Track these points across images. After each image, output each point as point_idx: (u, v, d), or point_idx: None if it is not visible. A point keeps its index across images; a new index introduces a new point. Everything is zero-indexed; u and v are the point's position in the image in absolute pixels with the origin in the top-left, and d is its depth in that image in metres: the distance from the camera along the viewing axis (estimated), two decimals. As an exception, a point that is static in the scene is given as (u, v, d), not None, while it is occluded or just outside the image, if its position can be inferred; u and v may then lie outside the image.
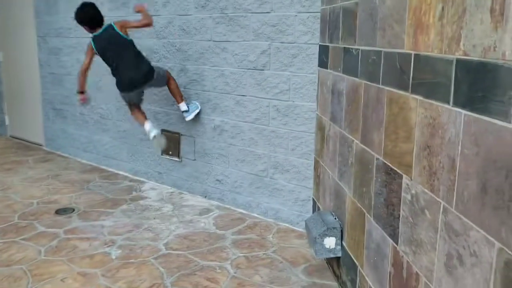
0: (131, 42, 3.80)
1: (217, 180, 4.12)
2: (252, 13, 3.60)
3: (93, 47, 3.80)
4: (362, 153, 2.20)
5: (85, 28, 3.87)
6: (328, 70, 2.96)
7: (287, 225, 3.69)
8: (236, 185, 4.00)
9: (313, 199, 3.44)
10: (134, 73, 3.79)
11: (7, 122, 6.48)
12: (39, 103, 5.78)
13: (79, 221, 3.73)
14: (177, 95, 4.01)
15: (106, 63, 3.89)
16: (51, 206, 4.03)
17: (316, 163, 3.30)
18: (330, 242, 2.68)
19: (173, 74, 4.22)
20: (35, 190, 4.40)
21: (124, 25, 3.77)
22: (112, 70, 3.90)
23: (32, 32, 5.61)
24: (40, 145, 5.96)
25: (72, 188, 4.49)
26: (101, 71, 4.88)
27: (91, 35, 3.84)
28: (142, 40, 4.38)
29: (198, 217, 3.85)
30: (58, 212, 3.90)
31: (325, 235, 2.66)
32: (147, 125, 3.96)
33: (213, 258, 3.15)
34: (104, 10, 4.69)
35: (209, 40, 3.92)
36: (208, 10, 3.87)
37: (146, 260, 3.11)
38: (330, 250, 2.69)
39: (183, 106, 4.00)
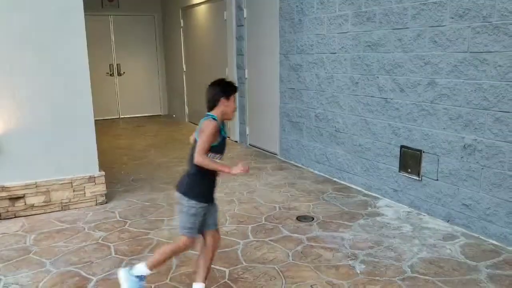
0: None
1: (464, 204, 3.74)
2: (525, 18, 3.17)
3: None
4: None
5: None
6: None
7: (560, 267, 3.10)
8: (488, 212, 3.55)
9: None
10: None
11: (247, 132, 7.22)
12: (277, 115, 6.26)
13: (320, 230, 3.83)
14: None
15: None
16: (291, 212, 4.25)
17: None
18: None
19: (420, 89, 4.03)
20: (275, 195, 4.73)
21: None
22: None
23: (276, 50, 6.12)
24: (275, 154, 6.44)
25: (309, 197, 4.68)
26: (339, 87, 5.01)
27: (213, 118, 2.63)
28: (390, 54, 4.32)
29: (442, 242, 3.54)
30: (299, 218, 4.08)
31: None
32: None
33: (467, 291, 2.83)
34: (347, 26, 4.80)
35: (465, 52, 3.60)
36: (467, 19, 3.56)
37: (392, 280, 2.98)
38: None
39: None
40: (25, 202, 4.20)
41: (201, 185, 2.62)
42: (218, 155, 2.60)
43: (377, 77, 4.47)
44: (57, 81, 4.25)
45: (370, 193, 4.72)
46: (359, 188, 4.87)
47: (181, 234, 2.64)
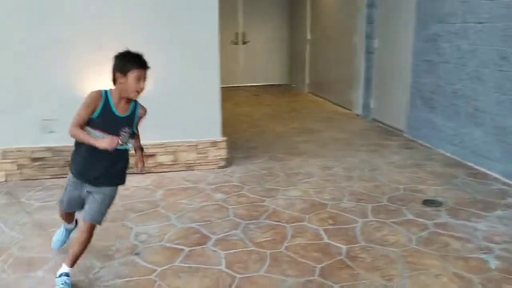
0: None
1: None
2: None
3: None
4: None
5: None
6: None
7: None
8: None
9: None
10: None
11: (371, 105, 6.87)
12: (407, 90, 5.81)
13: (448, 217, 3.49)
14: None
15: None
16: (417, 195, 3.94)
17: None
18: None
19: None
20: (399, 176, 4.43)
21: None
22: None
23: (411, 18, 5.63)
24: (401, 132, 6.04)
25: (437, 180, 4.30)
26: (484, 61, 4.40)
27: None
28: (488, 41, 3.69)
29: None
30: (425, 203, 3.77)
31: None
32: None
33: None
34: None
35: None
36: None
37: (539, 284, 2.61)
38: None
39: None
40: (156, 160, 4.50)
41: (76, 157, 2.51)
42: (98, 131, 2.39)
43: (534, 50, 3.87)
44: (188, 52, 4.41)
45: (510, 181, 4.18)
46: (497, 176, 4.33)
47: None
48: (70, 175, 2.55)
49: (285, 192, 4.03)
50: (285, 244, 3.07)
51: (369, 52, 6.82)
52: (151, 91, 4.28)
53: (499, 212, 3.56)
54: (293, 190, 4.08)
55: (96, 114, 2.38)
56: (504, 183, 4.17)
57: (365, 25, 6.86)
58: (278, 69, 11.28)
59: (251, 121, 7.08)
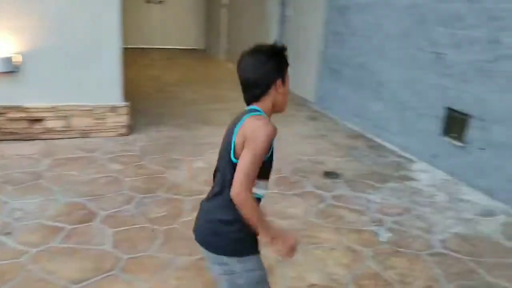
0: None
1: (511, 180, 3.36)
2: None
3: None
4: None
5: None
6: None
7: None
8: (538, 192, 3.18)
9: None
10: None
11: (283, 75, 6.82)
12: (316, 60, 5.83)
13: (346, 189, 3.56)
14: None
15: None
16: (319, 166, 3.97)
17: None
18: None
19: (478, 46, 3.53)
20: (304, 147, 4.45)
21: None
22: None
23: (323, -12, 5.60)
24: (310, 102, 6.08)
25: (339, 152, 4.37)
26: (388, 36, 4.48)
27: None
28: (446, 4, 3.80)
29: (480, 218, 3.22)
30: (326, 174, 3.81)
31: None
32: None
33: (500, 276, 2.54)
34: None
35: (543, 6, 3.08)
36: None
37: (419, 254, 2.72)
38: None
39: None
40: (44, 126, 4.08)
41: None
42: (263, 182, 1.51)
43: (432, 29, 3.97)
44: (85, 3, 3.98)
45: (405, 154, 4.36)
46: (394, 148, 4.51)
47: None
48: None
49: (189, 163, 3.86)
50: (181, 220, 2.92)
51: (282, 20, 6.71)
52: (40, 47, 3.88)
53: (392, 184, 3.70)
54: (198, 161, 3.92)
55: (267, 155, 1.45)
56: (399, 156, 4.35)
57: (279, -8, 6.73)
58: (195, 33, 10.88)
59: (160, 86, 6.74)
